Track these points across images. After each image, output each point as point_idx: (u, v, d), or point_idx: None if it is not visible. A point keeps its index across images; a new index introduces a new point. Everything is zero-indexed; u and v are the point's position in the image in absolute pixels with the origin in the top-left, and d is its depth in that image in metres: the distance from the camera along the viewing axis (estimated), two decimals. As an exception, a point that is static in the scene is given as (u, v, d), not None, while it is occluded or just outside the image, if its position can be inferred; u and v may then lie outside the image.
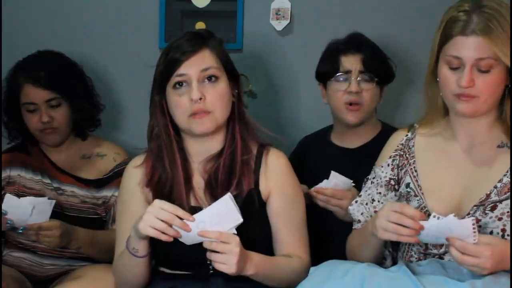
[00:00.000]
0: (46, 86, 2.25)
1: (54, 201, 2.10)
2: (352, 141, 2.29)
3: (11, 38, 2.67)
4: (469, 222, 1.54)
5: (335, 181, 2.07)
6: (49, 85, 2.26)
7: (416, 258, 1.77)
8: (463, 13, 1.65)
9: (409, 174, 1.81)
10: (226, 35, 2.59)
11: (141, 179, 1.88)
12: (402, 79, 2.49)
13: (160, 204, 1.68)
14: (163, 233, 1.66)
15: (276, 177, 1.89)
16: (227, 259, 1.65)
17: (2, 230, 2.11)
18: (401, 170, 1.84)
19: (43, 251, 2.27)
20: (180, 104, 1.82)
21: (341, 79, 2.22)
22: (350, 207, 1.90)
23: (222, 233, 1.65)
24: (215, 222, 1.66)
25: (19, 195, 2.23)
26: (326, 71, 2.26)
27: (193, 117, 1.82)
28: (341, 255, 1.93)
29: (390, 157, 1.87)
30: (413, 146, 1.84)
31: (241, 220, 1.67)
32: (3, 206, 2.05)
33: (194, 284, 1.81)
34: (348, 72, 2.21)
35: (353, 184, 2.08)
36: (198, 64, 1.81)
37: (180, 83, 1.82)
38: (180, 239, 1.70)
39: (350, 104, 2.21)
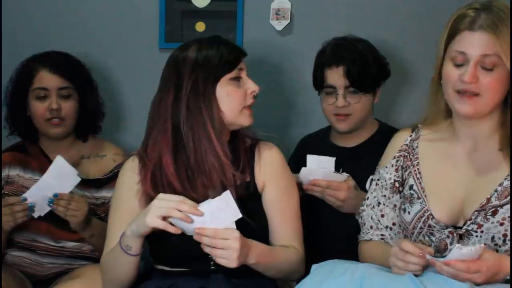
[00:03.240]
0: (62, 73, 2.30)
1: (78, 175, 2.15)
2: (351, 141, 2.31)
3: (11, 38, 2.67)
4: (479, 250, 1.55)
5: (316, 166, 2.07)
6: (64, 73, 2.31)
7: None
8: (472, 10, 1.66)
9: (413, 176, 1.80)
10: (226, 35, 2.57)
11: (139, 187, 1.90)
12: (397, 79, 2.50)
13: (164, 196, 1.72)
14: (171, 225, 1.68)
15: (269, 168, 1.91)
16: (227, 254, 1.66)
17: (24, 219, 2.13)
18: (405, 171, 1.83)
19: (43, 250, 2.27)
20: (237, 95, 1.88)
21: (328, 92, 2.25)
22: (363, 213, 1.90)
23: (218, 231, 1.66)
24: (215, 216, 1.67)
25: (17, 195, 2.24)
26: (315, 83, 2.30)
27: (246, 109, 1.89)
28: (337, 248, 1.95)
29: (394, 158, 1.86)
30: (417, 147, 1.83)
31: (240, 215, 1.68)
32: (54, 167, 2.12)
33: (195, 281, 1.81)
34: (333, 87, 2.23)
35: (346, 174, 2.08)
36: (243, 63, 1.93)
37: (238, 77, 1.89)
38: (180, 227, 1.71)
39: (339, 114, 2.24)
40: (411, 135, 1.86)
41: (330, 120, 2.29)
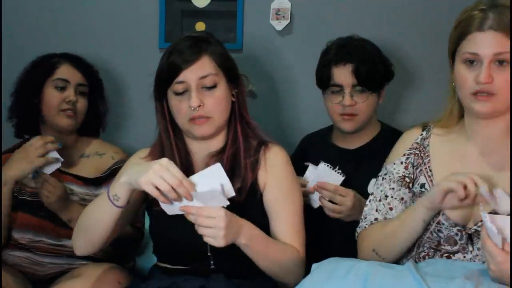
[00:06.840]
0: (82, 71, 2.38)
1: (61, 160, 2.21)
2: (352, 142, 2.29)
3: (12, 38, 2.67)
4: None
5: (317, 177, 2.08)
6: (85, 72, 2.39)
7: (425, 253, 1.77)
8: (478, 11, 1.68)
9: (424, 174, 1.79)
10: (226, 35, 2.60)
11: None
12: (401, 80, 2.49)
13: (168, 165, 1.66)
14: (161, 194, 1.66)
15: (272, 169, 1.90)
16: (213, 233, 1.65)
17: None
18: (416, 169, 1.82)
19: (43, 251, 2.27)
20: (180, 109, 1.87)
21: (335, 91, 2.23)
22: (366, 208, 1.88)
23: (203, 208, 1.65)
24: (204, 199, 1.66)
25: (20, 193, 2.27)
26: (321, 81, 2.27)
27: (193, 122, 1.86)
28: (337, 252, 1.93)
29: (404, 155, 1.85)
30: (428, 145, 1.82)
31: (227, 203, 1.66)
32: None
33: (195, 280, 1.81)
34: (340, 85, 2.21)
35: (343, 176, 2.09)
36: (197, 72, 1.85)
37: (180, 90, 1.86)
38: (163, 207, 1.70)
39: (345, 113, 2.22)
40: (421, 134, 1.85)
41: (335, 120, 2.26)
